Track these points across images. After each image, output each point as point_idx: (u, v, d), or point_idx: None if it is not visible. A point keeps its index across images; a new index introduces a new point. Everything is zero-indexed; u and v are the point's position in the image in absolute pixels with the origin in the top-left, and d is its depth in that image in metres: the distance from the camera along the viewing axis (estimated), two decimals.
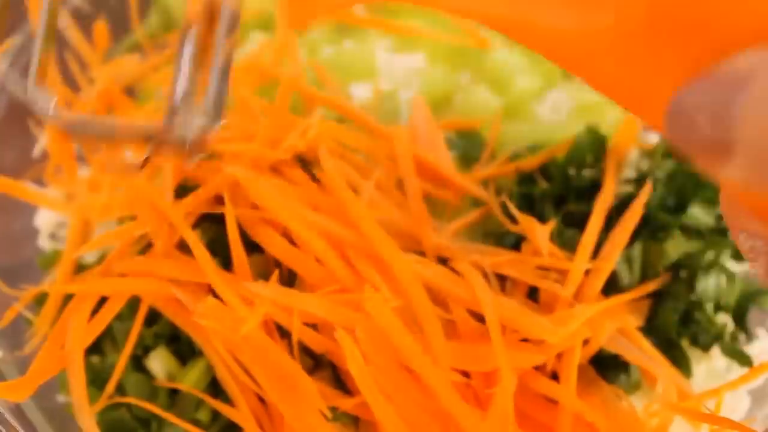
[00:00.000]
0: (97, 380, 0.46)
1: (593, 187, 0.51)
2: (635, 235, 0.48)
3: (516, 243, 0.49)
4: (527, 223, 0.47)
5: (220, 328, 0.42)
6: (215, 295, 0.43)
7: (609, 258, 0.47)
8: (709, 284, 0.50)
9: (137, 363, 0.46)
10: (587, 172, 0.53)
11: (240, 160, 0.47)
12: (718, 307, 0.50)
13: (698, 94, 0.25)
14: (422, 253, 0.46)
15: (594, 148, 0.54)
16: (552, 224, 0.47)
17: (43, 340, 0.46)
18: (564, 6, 0.27)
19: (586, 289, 0.46)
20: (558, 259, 0.47)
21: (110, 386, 0.45)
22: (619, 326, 0.46)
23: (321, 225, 0.44)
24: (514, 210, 0.48)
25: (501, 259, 0.46)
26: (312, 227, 0.44)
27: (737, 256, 0.52)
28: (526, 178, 0.53)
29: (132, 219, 0.48)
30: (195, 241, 0.44)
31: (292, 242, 0.45)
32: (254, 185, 0.45)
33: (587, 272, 0.47)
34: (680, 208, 0.51)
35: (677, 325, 0.49)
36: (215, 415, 0.45)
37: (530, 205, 0.52)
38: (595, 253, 0.48)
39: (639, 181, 0.53)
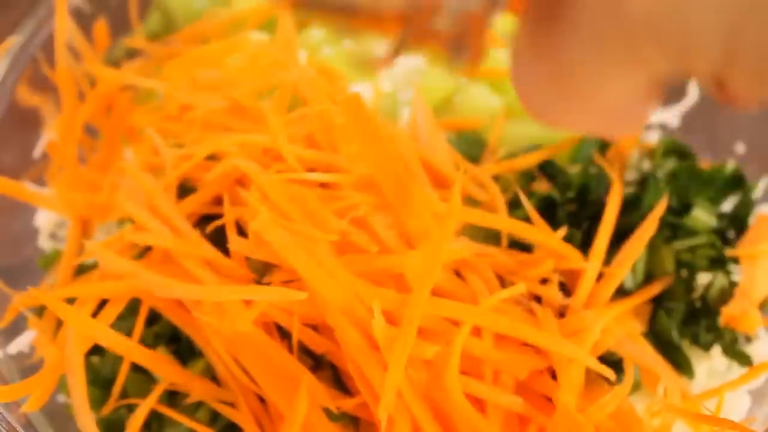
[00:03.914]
0: (97, 380, 0.46)
1: (592, 188, 0.51)
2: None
3: (516, 243, 0.49)
4: (542, 228, 0.47)
5: (221, 326, 0.42)
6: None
7: (623, 264, 0.47)
8: (709, 284, 0.50)
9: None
10: (593, 170, 0.53)
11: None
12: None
13: None
14: None
15: (601, 147, 0.53)
16: (564, 230, 0.47)
17: (43, 341, 0.46)
18: None
19: (596, 295, 0.46)
20: (571, 260, 0.46)
21: (116, 389, 0.45)
22: (626, 331, 0.46)
23: (326, 222, 0.44)
24: (533, 213, 0.47)
25: (509, 264, 0.46)
26: (317, 225, 0.44)
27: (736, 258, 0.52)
28: (527, 179, 0.53)
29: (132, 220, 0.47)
30: (194, 241, 0.44)
31: None
32: (259, 177, 0.44)
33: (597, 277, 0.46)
34: (682, 208, 0.51)
35: (678, 326, 0.49)
36: (215, 415, 0.45)
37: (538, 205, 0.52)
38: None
39: (640, 182, 0.52)
